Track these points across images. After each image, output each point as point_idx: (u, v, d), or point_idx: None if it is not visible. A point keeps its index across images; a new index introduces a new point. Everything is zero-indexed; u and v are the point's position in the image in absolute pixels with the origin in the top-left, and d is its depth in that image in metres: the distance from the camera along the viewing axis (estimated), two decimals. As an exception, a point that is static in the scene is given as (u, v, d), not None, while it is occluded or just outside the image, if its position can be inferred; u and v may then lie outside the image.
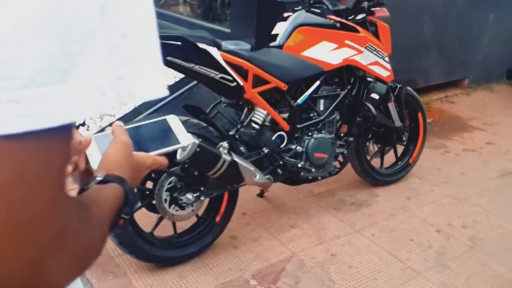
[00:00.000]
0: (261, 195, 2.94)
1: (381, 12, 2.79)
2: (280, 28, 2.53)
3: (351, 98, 2.70)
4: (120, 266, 2.28)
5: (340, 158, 2.79)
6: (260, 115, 2.34)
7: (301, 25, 2.48)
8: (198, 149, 1.98)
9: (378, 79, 2.79)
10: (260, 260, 2.38)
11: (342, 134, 2.75)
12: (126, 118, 3.18)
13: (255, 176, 2.29)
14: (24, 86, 0.34)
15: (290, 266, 2.35)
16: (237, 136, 2.29)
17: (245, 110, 2.34)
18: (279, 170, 2.43)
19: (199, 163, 2.10)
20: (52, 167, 0.39)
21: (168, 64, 1.99)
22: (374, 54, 2.70)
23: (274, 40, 2.52)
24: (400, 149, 3.23)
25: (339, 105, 2.64)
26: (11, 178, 0.35)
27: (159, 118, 0.86)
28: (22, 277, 0.37)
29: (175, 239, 2.33)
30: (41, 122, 0.35)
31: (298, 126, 2.49)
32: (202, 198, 2.22)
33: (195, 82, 3.31)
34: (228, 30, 4.49)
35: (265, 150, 2.35)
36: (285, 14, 2.63)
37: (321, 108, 2.58)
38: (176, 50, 1.98)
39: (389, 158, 3.21)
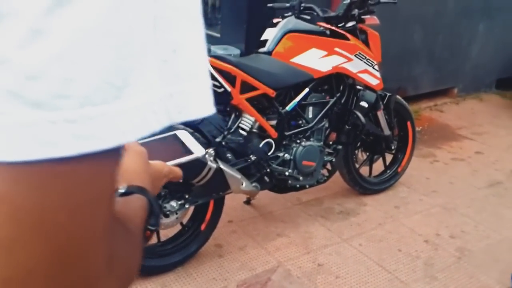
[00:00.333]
0: (248, 202, 2.90)
1: (372, 20, 2.77)
2: (270, 34, 2.50)
3: (340, 106, 2.67)
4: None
5: (329, 166, 2.76)
6: (247, 121, 2.30)
7: (290, 31, 2.45)
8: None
9: (367, 87, 2.76)
10: (245, 270, 2.34)
11: (330, 142, 2.72)
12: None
13: (242, 184, 2.25)
14: (80, 105, 0.32)
15: (276, 276, 2.31)
16: (223, 143, 2.25)
17: (233, 116, 2.30)
18: (266, 178, 2.39)
19: (184, 170, 2.05)
20: (105, 191, 0.36)
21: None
22: (364, 62, 2.68)
23: (263, 46, 2.49)
24: (388, 157, 3.21)
25: (328, 112, 2.61)
26: (65, 205, 0.33)
27: (169, 134, 0.85)
28: None
29: (158, 248, 2.28)
30: (97, 143, 0.33)
31: (286, 133, 2.46)
32: (187, 206, 2.17)
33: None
34: (218, 35, 4.46)
35: (252, 158, 2.31)
36: (275, 20, 2.60)
37: (310, 115, 2.55)
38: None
39: (378, 166, 3.19)
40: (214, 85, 2.10)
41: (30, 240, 0.33)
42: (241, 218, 2.77)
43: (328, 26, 2.60)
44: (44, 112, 0.31)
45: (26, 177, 0.32)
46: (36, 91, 0.31)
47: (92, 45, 0.32)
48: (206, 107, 0.40)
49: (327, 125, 2.62)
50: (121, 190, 0.60)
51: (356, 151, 2.99)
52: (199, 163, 2.04)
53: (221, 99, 2.20)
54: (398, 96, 3.05)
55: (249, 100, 2.25)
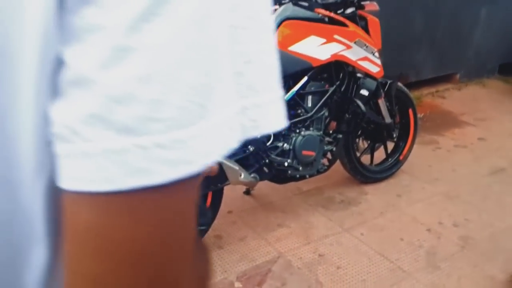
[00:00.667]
0: (247, 192, 2.88)
1: (371, 6, 2.71)
2: (267, 22, 2.44)
3: (340, 94, 2.63)
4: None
5: (329, 155, 2.73)
6: (245, 112, 2.26)
7: (288, 18, 2.40)
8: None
9: (367, 74, 2.72)
10: (245, 261, 2.32)
11: (331, 131, 2.68)
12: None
13: (240, 175, 2.22)
14: (169, 128, 0.30)
15: (277, 267, 2.29)
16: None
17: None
18: (265, 169, 2.36)
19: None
20: (191, 215, 0.34)
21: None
22: (364, 49, 2.63)
23: (261, 34, 2.44)
24: (390, 145, 3.17)
25: (328, 101, 2.57)
26: (157, 233, 0.31)
27: None
28: None
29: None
30: (187, 167, 0.31)
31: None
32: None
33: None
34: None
35: (251, 148, 2.28)
36: (272, 7, 2.54)
37: (309, 104, 2.50)
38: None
39: (379, 154, 3.15)
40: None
41: (120, 273, 0.31)
42: (241, 208, 2.75)
43: (327, 12, 2.55)
44: (133, 138, 0.29)
45: (116, 207, 0.30)
46: (124, 115, 0.28)
47: (178, 62, 0.30)
48: (280, 120, 0.38)
49: (326, 114, 2.57)
50: None
51: (357, 140, 2.95)
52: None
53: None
54: (399, 83, 3.00)
55: (246, 89, 2.21)
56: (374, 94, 2.74)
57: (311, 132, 2.48)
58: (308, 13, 2.49)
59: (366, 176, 3.04)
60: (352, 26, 2.57)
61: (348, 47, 2.55)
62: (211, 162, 0.32)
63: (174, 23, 0.29)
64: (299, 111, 2.49)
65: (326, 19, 2.53)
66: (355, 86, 2.68)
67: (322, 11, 2.55)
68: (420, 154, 3.50)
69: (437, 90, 5.01)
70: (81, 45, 0.29)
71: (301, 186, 2.97)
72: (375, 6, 2.72)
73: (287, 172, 2.45)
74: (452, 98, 4.91)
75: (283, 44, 2.38)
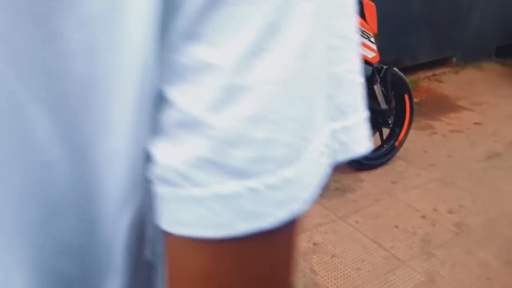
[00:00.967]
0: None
1: (367, -11, 2.66)
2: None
3: (334, 80, 2.59)
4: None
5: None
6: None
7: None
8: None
9: (363, 60, 2.68)
10: (240, 250, 2.30)
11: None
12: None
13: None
14: (278, 167, 0.28)
15: (271, 256, 2.28)
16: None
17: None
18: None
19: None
20: (295, 255, 0.34)
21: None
22: (359, 34, 2.58)
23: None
24: (385, 131, 3.15)
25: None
26: (268, 276, 0.31)
27: None
28: None
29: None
30: (294, 206, 0.29)
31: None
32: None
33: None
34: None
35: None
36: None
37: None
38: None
39: (375, 141, 3.13)
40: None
41: None
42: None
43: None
44: (245, 180, 0.28)
45: (228, 252, 0.29)
46: (235, 158, 0.27)
47: (288, 98, 0.28)
48: (366, 142, 0.36)
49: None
50: None
51: (352, 126, 2.92)
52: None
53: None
54: (395, 69, 2.97)
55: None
56: (369, 80, 2.71)
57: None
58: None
59: (361, 163, 3.02)
60: (347, 11, 2.52)
61: (343, 32, 2.50)
62: (314, 195, 0.31)
63: (283, 57, 0.27)
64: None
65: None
66: (350, 72, 2.64)
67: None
68: (415, 139, 3.48)
69: (434, 74, 4.97)
70: (189, 85, 0.27)
71: (296, 173, 2.95)
72: (370, -10, 2.67)
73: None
74: (449, 81, 4.87)
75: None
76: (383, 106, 2.87)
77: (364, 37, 2.62)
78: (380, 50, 2.75)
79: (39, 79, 0.26)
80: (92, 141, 0.30)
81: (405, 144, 3.24)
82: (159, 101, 0.29)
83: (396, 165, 3.18)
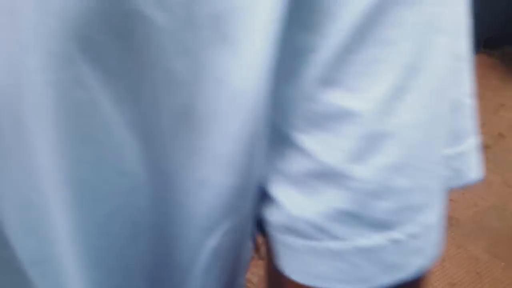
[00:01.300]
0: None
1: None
2: None
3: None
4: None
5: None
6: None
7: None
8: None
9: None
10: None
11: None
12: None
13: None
14: (419, 213, 0.27)
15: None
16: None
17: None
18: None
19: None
20: None
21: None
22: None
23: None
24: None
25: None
26: None
27: None
28: None
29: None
30: (433, 252, 0.29)
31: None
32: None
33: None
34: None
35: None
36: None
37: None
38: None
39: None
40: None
41: None
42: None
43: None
44: (388, 232, 0.27)
45: None
46: (378, 209, 0.27)
47: (427, 140, 0.27)
48: (479, 168, 0.35)
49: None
50: None
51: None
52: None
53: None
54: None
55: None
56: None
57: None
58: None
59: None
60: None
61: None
62: (440, 234, 0.29)
63: (423, 96, 0.26)
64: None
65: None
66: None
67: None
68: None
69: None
70: (325, 133, 0.26)
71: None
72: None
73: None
74: (437, 74, 4.84)
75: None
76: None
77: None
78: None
79: (133, 106, 0.26)
80: (180, 167, 0.29)
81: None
82: (287, 143, 0.27)
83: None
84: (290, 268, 0.29)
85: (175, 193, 0.30)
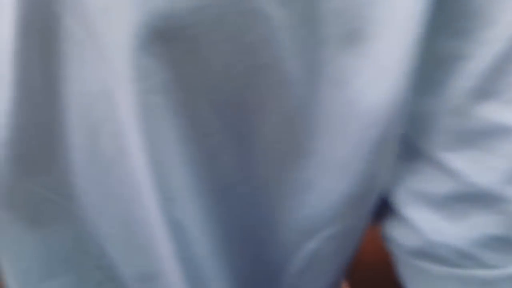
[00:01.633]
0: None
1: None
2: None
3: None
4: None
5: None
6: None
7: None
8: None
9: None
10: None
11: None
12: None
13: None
14: None
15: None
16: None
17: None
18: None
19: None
20: None
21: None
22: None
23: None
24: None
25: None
26: None
27: None
28: None
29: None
30: None
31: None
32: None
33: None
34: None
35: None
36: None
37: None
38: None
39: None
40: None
41: None
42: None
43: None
44: None
45: None
46: None
47: None
48: None
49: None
50: None
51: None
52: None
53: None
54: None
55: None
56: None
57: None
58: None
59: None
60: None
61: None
62: None
63: None
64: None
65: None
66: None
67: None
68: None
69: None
70: (477, 152, 0.24)
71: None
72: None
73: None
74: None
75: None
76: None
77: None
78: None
79: (232, 111, 0.25)
80: (282, 168, 0.28)
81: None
82: (423, 160, 0.25)
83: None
84: None
85: (271, 195, 0.29)
